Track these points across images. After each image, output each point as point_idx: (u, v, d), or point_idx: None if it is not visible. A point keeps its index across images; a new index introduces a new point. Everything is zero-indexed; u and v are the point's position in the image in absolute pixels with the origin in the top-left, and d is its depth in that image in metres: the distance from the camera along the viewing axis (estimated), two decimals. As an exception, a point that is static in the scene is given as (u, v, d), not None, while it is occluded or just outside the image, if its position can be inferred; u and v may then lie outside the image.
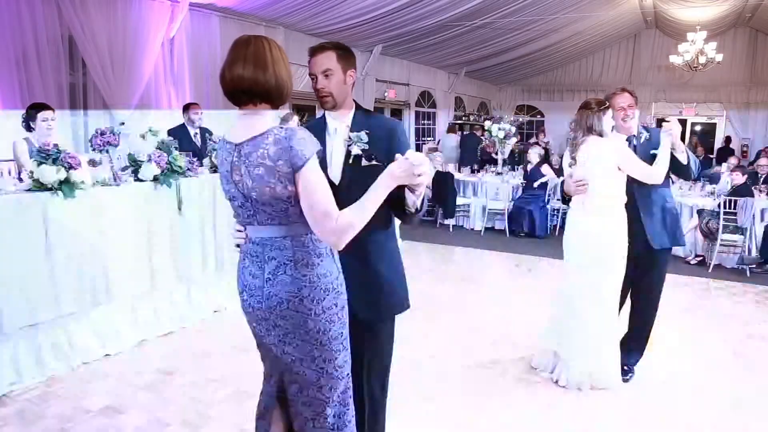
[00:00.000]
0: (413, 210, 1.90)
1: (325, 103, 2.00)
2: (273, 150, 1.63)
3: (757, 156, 9.96)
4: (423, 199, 1.91)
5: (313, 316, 1.75)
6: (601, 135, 3.16)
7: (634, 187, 3.24)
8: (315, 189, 1.64)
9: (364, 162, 1.98)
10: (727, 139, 13.23)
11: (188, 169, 4.28)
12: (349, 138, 1.97)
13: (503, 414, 3.05)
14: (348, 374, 1.90)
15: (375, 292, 2.08)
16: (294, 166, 1.62)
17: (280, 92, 1.71)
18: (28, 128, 4.35)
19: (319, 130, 2.04)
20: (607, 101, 3.28)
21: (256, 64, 1.66)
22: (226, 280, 4.72)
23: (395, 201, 1.87)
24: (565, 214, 8.54)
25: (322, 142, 2.01)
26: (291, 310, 1.74)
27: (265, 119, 1.71)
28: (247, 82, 1.65)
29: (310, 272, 1.74)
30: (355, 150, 1.96)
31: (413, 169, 1.71)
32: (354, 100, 2.09)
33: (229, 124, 1.90)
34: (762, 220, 6.35)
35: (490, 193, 8.40)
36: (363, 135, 1.96)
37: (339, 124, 2.05)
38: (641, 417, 3.04)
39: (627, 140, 3.33)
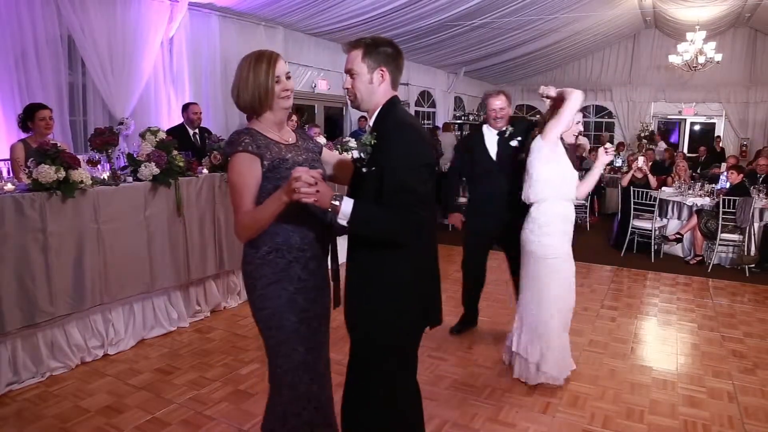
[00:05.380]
0: (341, 225, 1.77)
1: (351, 102, 1.94)
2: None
3: (756, 156, 9.96)
4: (356, 217, 1.74)
5: (252, 301, 2.01)
6: None
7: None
8: (232, 184, 1.90)
9: (365, 168, 1.89)
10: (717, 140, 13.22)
11: (187, 168, 4.27)
12: (362, 141, 1.90)
13: (502, 413, 3.06)
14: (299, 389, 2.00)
15: (348, 299, 1.98)
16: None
17: (237, 104, 1.95)
18: (25, 128, 4.34)
19: None
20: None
21: None
22: (225, 280, 4.72)
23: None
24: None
25: None
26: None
27: (248, 124, 1.98)
28: None
29: (246, 260, 2.00)
30: (356, 153, 1.90)
31: (291, 185, 1.69)
32: (395, 97, 1.93)
33: (228, 123, 1.94)
34: (761, 219, 6.35)
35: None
36: (368, 138, 1.85)
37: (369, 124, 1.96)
38: (640, 415, 3.05)
39: (498, 134, 3.88)
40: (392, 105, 1.91)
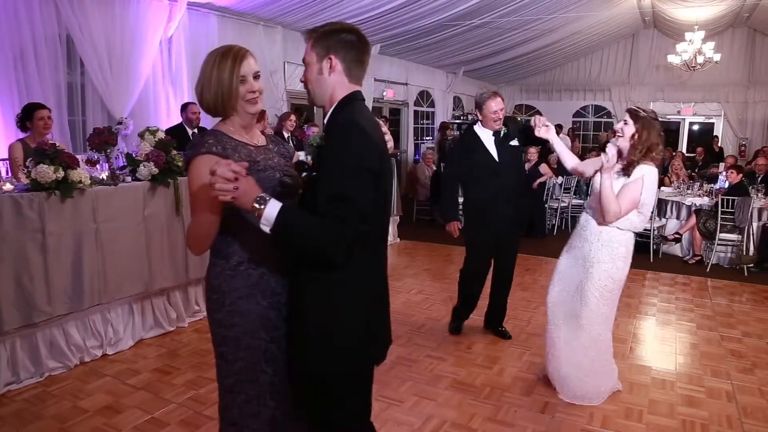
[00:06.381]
0: (266, 231, 1.50)
1: (307, 97, 1.74)
2: None
3: (755, 155, 9.97)
4: (279, 224, 1.48)
5: (218, 319, 1.91)
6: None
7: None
8: (189, 189, 1.72)
9: (305, 172, 1.69)
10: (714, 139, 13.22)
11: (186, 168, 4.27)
12: (309, 142, 1.74)
13: (501, 413, 3.06)
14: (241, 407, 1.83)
15: (291, 323, 1.74)
16: None
17: (200, 103, 1.78)
18: (24, 128, 4.34)
19: None
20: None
21: None
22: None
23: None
24: (564, 213, 8.60)
25: None
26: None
27: (215, 124, 1.83)
28: None
29: (213, 272, 1.87)
30: (302, 156, 1.73)
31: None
32: (355, 92, 1.67)
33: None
34: (759, 219, 6.36)
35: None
36: (315, 139, 1.69)
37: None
38: (639, 415, 3.05)
39: (494, 135, 3.89)
40: (349, 101, 1.65)
